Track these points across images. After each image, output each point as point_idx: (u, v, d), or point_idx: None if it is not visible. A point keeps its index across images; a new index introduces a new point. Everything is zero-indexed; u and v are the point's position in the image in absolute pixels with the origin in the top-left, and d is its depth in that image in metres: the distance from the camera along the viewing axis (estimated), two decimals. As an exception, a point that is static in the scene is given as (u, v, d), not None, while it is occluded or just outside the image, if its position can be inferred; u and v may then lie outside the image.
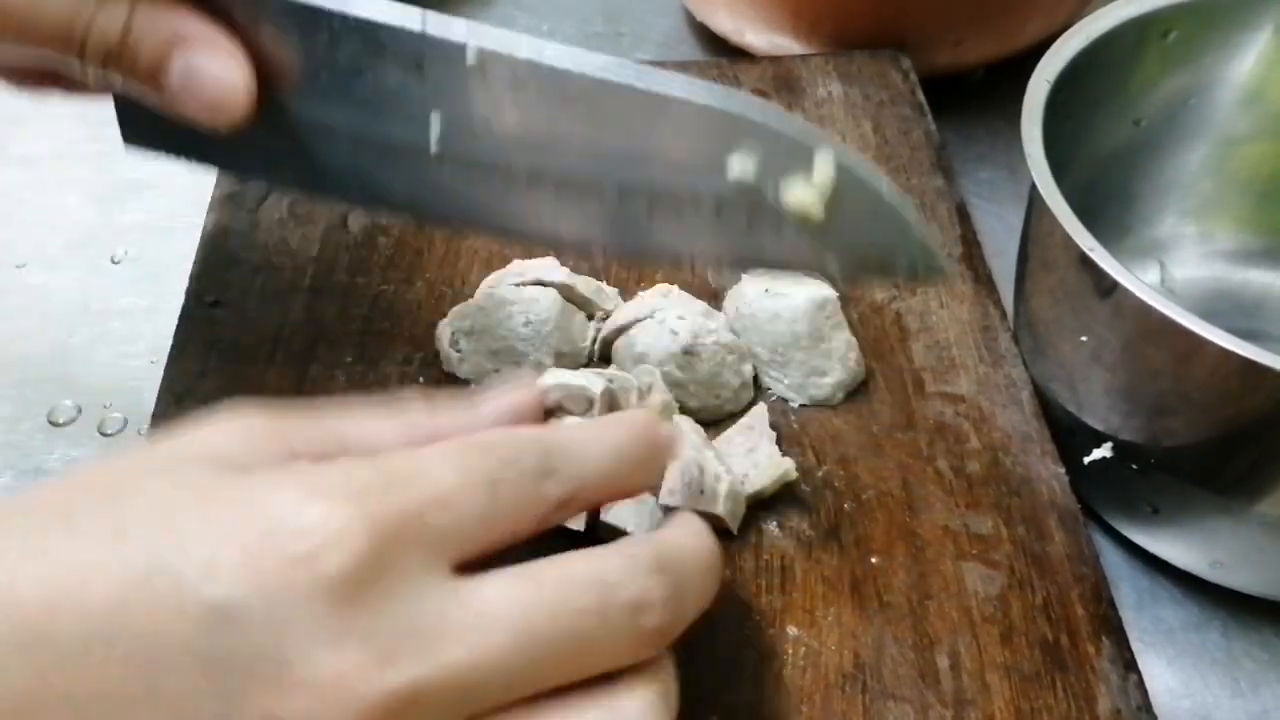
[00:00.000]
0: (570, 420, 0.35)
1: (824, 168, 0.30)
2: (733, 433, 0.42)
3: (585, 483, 0.29)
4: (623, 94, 0.31)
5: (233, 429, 0.28)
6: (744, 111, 0.30)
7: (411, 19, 0.32)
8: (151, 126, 0.35)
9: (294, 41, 0.33)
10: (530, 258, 0.47)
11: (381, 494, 0.26)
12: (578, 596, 0.26)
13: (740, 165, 0.30)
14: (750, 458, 0.41)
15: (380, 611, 0.25)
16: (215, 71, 0.32)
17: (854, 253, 0.31)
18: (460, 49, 0.32)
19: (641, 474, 0.31)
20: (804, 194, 0.31)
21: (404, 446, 0.29)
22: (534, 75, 0.32)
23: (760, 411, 0.43)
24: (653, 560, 0.28)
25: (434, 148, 0.34)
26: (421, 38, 0.32)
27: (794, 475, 0.40)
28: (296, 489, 0.26)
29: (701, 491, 0.38)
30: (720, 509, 0.38)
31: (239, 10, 0.33)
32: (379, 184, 0.36)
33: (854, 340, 0.44)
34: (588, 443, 0.30)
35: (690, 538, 0.30)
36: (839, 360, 0.44)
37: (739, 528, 0.40)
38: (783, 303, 0.43)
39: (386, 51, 0.32)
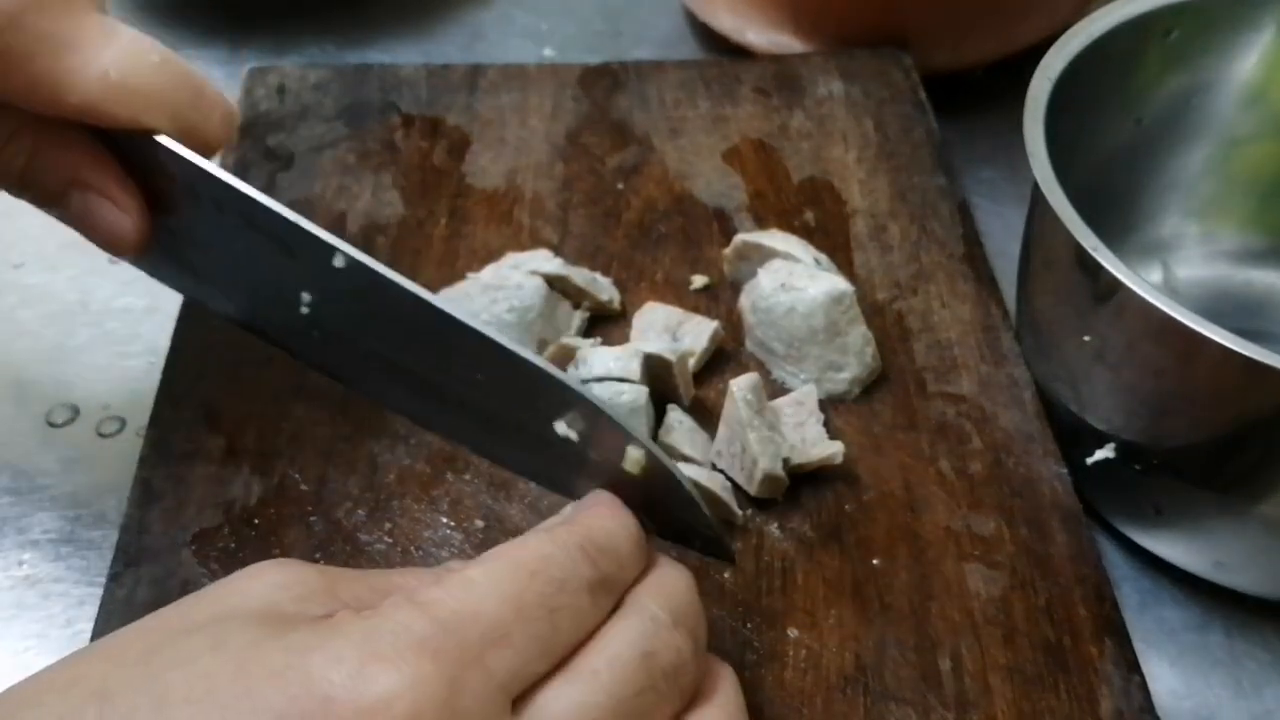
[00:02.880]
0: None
1: (635, 456, 0.32)
2: (783, 402, 0.43)
3: (626, 579, 0.30)
4: (473, 337, 0.32)
5: (276, 578, 0.27)
6: (574, 385, 0.32)
7: (285, 209, 0.34)
8: None
9: (183, 191, 0.35)
10: (523, 250, 0.47)
11: (440, 644, 0.25)
12: (630, 678, 0.27)
13: (565, 429, 0.32)
14: (799, 432, 0.41)
15: None
16: (106, 214, 0.35)
17: (661, 520, 0.33)
18: (329, 249, 0.33)
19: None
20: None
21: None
22: (394, 294, 0.33)
23: (810, 390, 0.43)
24: (670, 617, 0.29)
25: (303, 310, 0.36)
26: (293, 227, 0.33)
27: (840, 459, 0.40)
28: (349, 652, 0.24)
29: (740, 468, 0.40)
30: (754, 490, 0.40)
31: (134, 154, 0.35)
32: (261, 320, 0.38)
33: (870, 335, 0.44)
34: (615, 534, 0.30)
35: (681, 579, 0.31)
36: (855, 355, 0.43)
37: (740, 525, 0.40)
38: (799, 297, 0.43)
39: (262, 229, 0.34)
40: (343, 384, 0.38)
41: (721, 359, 0.46)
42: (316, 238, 0.33)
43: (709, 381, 0.45)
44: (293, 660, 0.24)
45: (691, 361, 0.43)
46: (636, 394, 0.40)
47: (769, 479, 0.39)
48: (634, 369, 0.40)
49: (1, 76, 0.32)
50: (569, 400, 0.31)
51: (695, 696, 0.29)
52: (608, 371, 0.40)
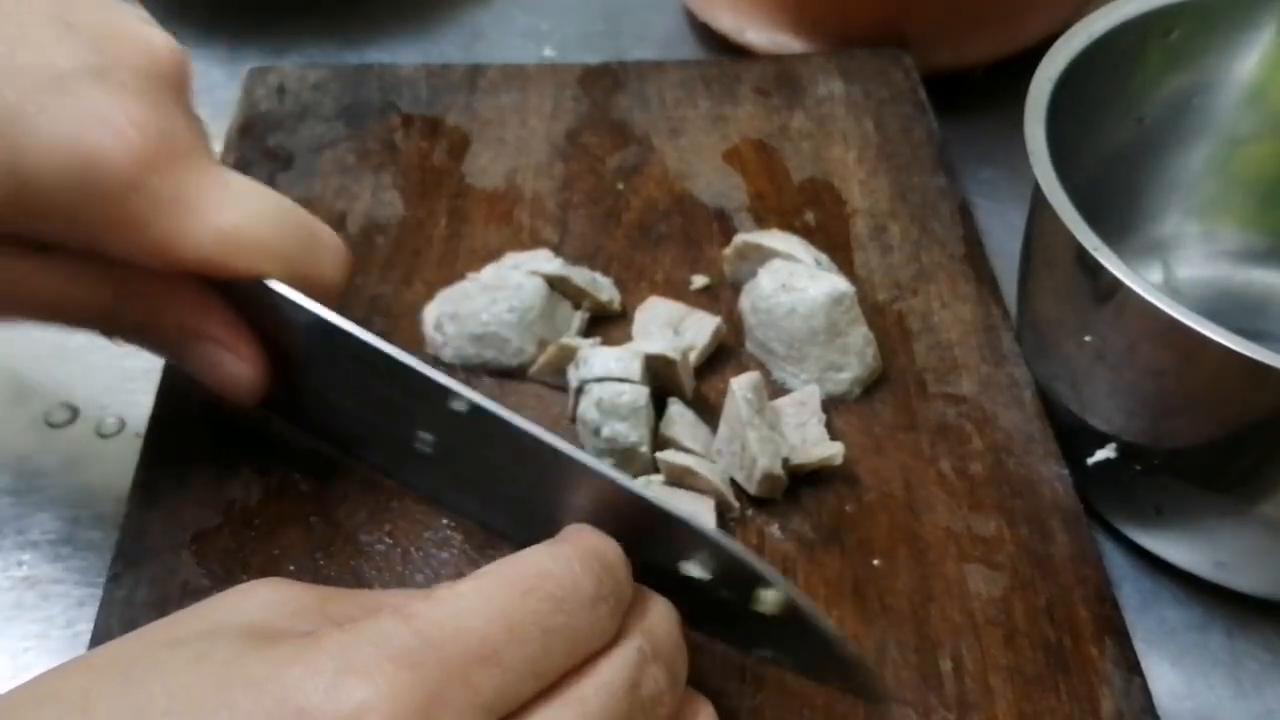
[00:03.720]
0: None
1: (771, 599, 0.31)
2: (785, 402, 0.43)
3: (626, 598, 0.29)
4: (598, 479, 0.31)
5: (267, 595, 0.27)
6: (704, 527, 0.31)
7: (400, 352, 0.33)
8: None
9: (301, 340, 0.35)
10: (523, 250, 0.47)
11: (420, 657, 0.24)
12: (616, 708, 0.27)
13: (696, 570, 0.32)
14: (800, 432, 0.41)
15: None
16: (227, 365, 0.35)
17: (799, 663, 0.33)
18: (446, 392, 0.33)
19: None
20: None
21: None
22: (520, 439, 0.32)
23: (813, 391, 0.43)
24: (651, 648, 0.29)
25: (425, 451, 0.35)
26: (408, 370, 0.33)
27: (839, 461, 0.40)
28: (326, 664, 0.24)
29: (740, 466, 0.40)
30: (753, 489, 0.40)
31: (251, 300, 0.35)
32: (384, 459, 0.39)
33: (871, 335, 0.44)
34: (610, 552, 0.29)
35: (662, 611, 0.31)
36: (856, 355, 0.43)
37: (742, 524, 0.40)
38: (799, 297, 0.43)
39: (384, 375, 0.34)
40: (470, 519, 0.39)
41: (722, 358, 0.46)
42: (433, 381, 0.33)
43: (709, 380, 0.45)
44: (272, 672, 0.24)
45: (693, 355, 0.43)
46: (636, 394, 0.40)
47: (768, 478, 0.39)
48: (634, 369, 0.40)
49: (122, 239, 0.32)
50: (700, 541, 0.31)
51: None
52: (608, 372, 0.40)
